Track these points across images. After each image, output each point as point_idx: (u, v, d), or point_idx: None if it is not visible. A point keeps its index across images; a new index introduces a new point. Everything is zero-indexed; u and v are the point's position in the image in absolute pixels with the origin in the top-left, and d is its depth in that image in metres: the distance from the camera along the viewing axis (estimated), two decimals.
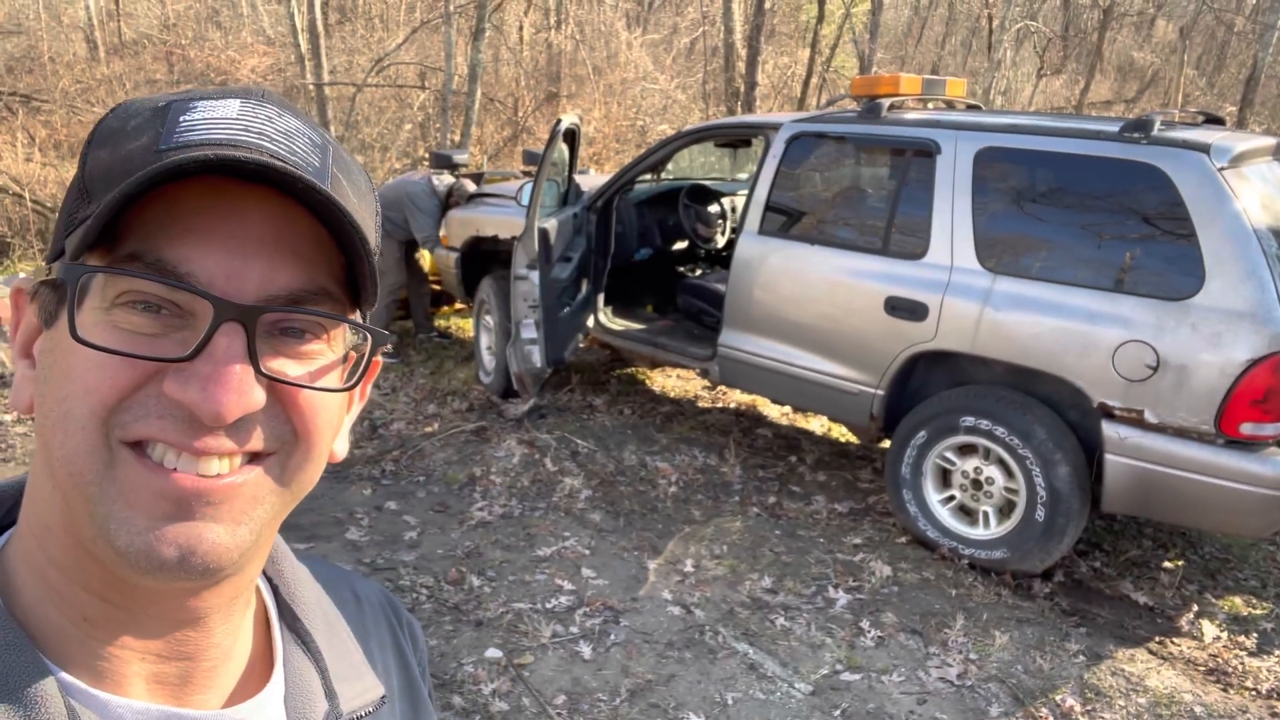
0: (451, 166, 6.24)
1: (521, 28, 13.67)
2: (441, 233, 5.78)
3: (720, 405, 5.34)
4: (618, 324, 4.97)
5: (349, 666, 0.63)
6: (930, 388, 3.76)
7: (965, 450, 3.57)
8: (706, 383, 5.56)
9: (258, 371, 0.47)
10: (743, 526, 3.84)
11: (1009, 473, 3.43)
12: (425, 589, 3.28)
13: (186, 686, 0.54)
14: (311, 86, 11.22)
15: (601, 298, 5.00)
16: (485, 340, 5.25)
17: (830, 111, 4.42)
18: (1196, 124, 3.63)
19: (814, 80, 13.40)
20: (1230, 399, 2.91)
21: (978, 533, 3.54)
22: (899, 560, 3.57)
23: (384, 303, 5.96)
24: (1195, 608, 3.35)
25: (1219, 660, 3.08)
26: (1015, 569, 3.45)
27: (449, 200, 5.89)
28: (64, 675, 0.49)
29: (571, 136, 4.59)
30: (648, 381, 5.69)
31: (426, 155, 9.92)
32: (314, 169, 0.49)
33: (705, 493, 4.17)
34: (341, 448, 0.57)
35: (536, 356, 4.48)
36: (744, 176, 6.08)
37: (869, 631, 3.11)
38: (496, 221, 5.16)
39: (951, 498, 3.63)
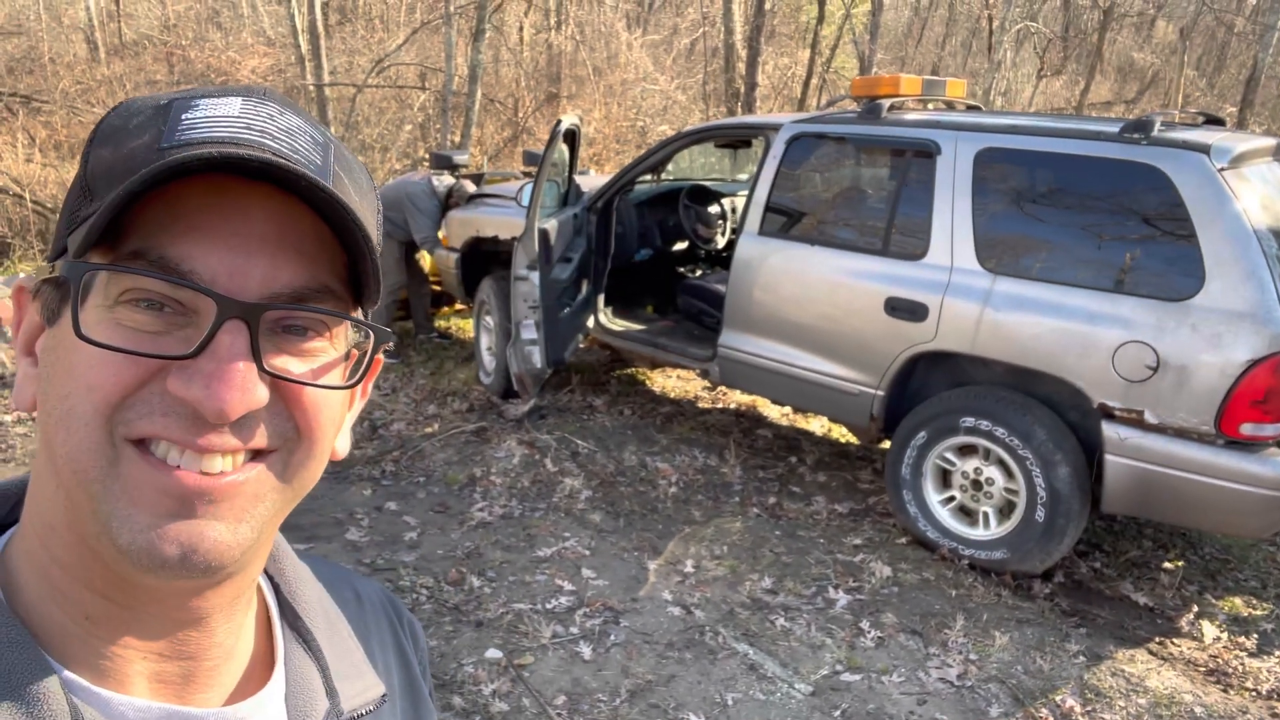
0: (451, 167, 6.24)
1: (522, 28, 13.67)
2: (442, 233, 5.78)
3: (720, 406, 5.34)
4: (618, 324, 4.97)
5: (350, 665, 0.63)
6: (930, 388, 3.76)
7: (965, 451, 3.57)
8: (706, 383, 5.56)
9: (261, 369, 0.47)
10: (743, 527, 3.84)
11: (1009, 473, 3.43)
12: (425, 589, 3.28)
13: (189, 685, 0.54)
14: (312, 87, 11.22)
15: (601, 298, 5.00)
16: (485, 341, 5.25)
17: (830, 112, 4.41)
18: (1196, 125, 3.62)
19: (814, 81, 13.41)
20: (1230, 399, 2.91)
21: (978, 533, 3.54)
22: (899, 561, 3.57)
23: (384, 303, 5.96)
24: (1195, 608, 3.35)
25: (1219, 661, 3.08)
26: (1015, 569, 3.45)
27: (449, 201, 5.89)
28: (66, 673, 0.49)
29: (572, 137, 4.59)
30: (648, 382, 5.69)
31: (427, 156, 9.92)
32: (316, 167, 0.49)
33: (705, 493, 4.17)
34: (343, 445, 0.57)
35: (537, 357, 4.48)
36: (744, 177, 6.09)
37: (869, 632, 3.11)
38: (497, 222, 5.16)
39: (951, 498, 3.63)
